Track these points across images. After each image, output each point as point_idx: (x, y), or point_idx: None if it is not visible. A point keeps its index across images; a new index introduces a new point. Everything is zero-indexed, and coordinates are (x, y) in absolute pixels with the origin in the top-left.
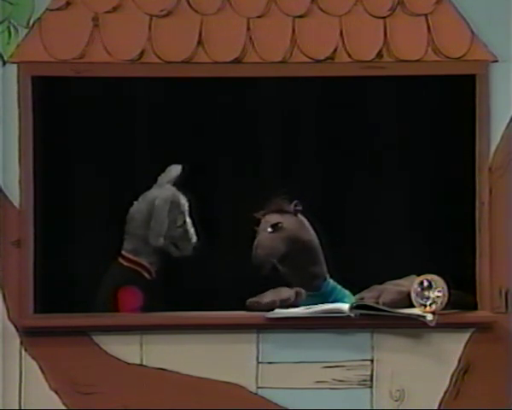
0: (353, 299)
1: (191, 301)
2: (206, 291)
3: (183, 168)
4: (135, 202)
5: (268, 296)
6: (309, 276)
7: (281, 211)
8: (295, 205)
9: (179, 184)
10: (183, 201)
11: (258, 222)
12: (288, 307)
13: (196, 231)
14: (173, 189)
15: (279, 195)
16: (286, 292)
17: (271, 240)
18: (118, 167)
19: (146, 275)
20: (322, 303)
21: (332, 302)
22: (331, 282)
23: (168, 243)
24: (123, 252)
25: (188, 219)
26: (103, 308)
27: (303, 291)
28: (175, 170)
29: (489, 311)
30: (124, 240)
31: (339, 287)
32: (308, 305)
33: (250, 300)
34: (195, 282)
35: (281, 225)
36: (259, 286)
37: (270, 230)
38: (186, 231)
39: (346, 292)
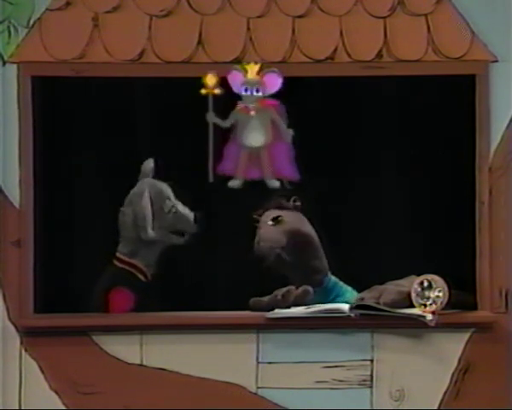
0: (354, 298)
1: (187, 304)
2: (204, 293)
3: (156, 161)
4: (121, 209)
5: (270, 295)
6: (310, 270)
7: (280, 207)
8: (294, 201)
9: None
10: (164, 187)
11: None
12: (293, 303)
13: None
14: (150, 180)
15: (278, 195)
16: (286, 287)
17: (273, 232)
18: (118, 168)
19: (140, 277)
20: (325, 299)
21: (334, 298)
22: (333, 278)
23: (166, 233)
24: (117, 254)
25: (176, 201)
26: (96, 310)
27: (310, 289)
28: (148, 165)
29: (489, 311)
30: (119, 243)
31: (340, 283)
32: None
33: (253, 299)
34: (193, 284)
35: (281, 219)
36: (259, 286)
37: (270, 223)
38: (179, 213)
39: (348, 288)
